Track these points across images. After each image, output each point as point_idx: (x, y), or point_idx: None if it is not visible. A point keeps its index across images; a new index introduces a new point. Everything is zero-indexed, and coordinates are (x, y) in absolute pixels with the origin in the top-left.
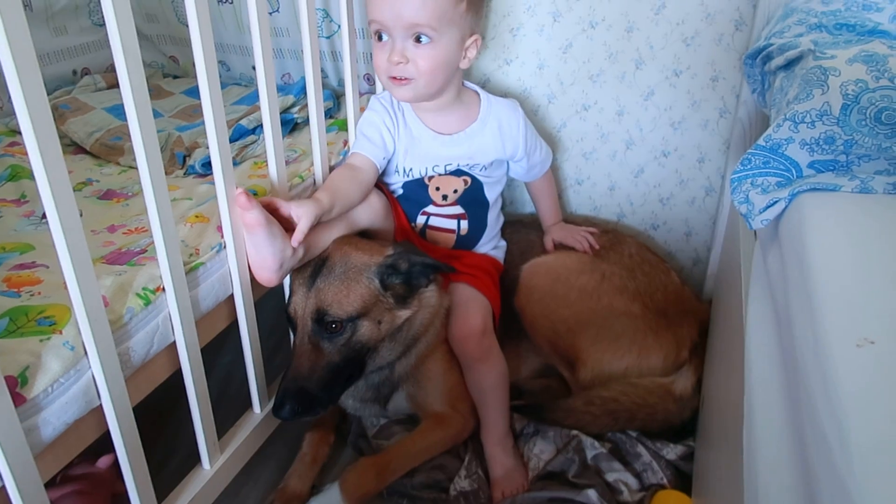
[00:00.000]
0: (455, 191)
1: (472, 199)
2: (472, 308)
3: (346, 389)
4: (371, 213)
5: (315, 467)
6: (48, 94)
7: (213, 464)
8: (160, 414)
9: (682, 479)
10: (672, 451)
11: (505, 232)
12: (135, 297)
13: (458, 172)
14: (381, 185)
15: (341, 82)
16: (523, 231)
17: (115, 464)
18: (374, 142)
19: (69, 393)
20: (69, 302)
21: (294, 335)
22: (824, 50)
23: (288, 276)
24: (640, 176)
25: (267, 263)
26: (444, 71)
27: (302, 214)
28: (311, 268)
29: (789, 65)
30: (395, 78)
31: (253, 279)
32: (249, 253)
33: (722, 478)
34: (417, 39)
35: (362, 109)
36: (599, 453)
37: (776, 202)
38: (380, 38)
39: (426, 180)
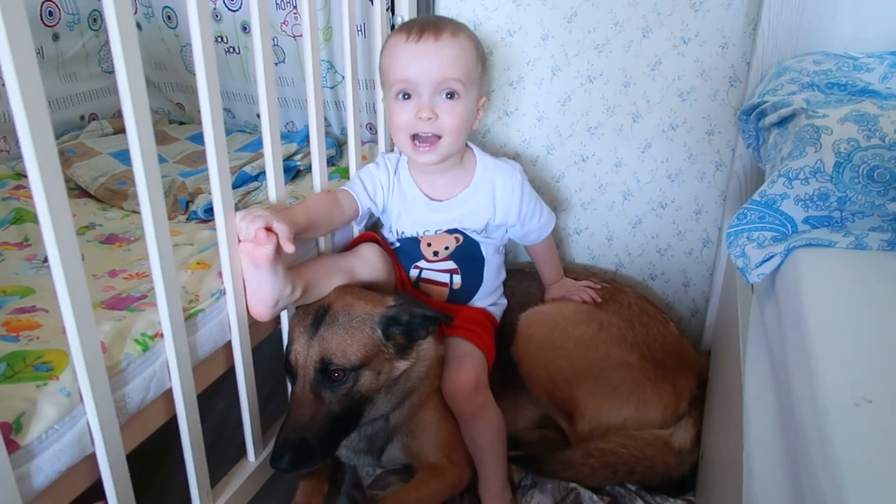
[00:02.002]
0: (446, 248)
1: (466, 255)
2: (466, 364)
3: (342, 440)
4: (370, 270)
5: None
6: (56, 139)
7: None
8: (153, 461)
9: None
10: None
11: (505, 283)
12: (133, 342)
13: (450, 231)
14: (380, 241)
15: (344, 131)
16: (525, 283)
17: None
18: (368, 191)
19: (63, 440)
20: (67, 347)
21: (293, 384)
22: (816, 109)
23: (284, 319)
24: (637, 226)
25: (265, 299)
26: (466, 129)
27: (284, 226)
28: (312, 316)
29: (783, 122)
30: (417, 141)
31: (251, 324)
32: (249, 286)
33: None
34: (446, 96)
35: (364, 158)
36: None
37: (772, 257)
38: (403, 98)
39: (418, 237)
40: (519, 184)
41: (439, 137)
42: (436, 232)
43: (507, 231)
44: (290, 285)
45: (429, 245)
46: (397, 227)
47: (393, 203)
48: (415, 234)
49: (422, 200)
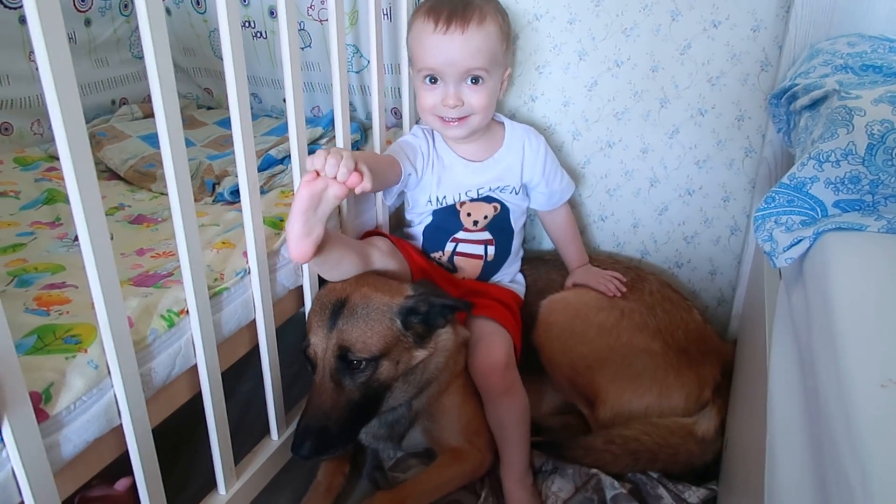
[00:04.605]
0: (485, 216)
1: (500, 227)
2: (496, 341)
3: (362, 427)
4: (384, 259)
5: (329, 497)
6: (87, 122)
7: (228, 489)
8: (179, 440)
9: None
10: (694, 495)
11: (524, 268)
12: (159, 318)
13: (488, 199)
14: (384, 232)
15: (369, 115)
16: (543, 269)
17: (133, 487)
18: (409, 157)
19: (91, 411)
20: (96, 322)
21: (313, 372)
22: (849, 90)
23: (308, 302)
24: (664, 214)
25: (317, 230)
26: (493, 105)
27: (366, 170)
28: (330, 309)
29: (814, 104)
30: (445, 119)
31: (275, 303)
32: (303, 222)
33: None
34: (471, 81)
35: (388, 143)
36: (619, 494)
37: (800, 241)
38: (430, 82)
39: (458, 206)
40: (543, 143)
41: (468, 116)
42: (478, 192)
43: (529, 198)
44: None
45: (468, 214)
46: (437, 193)
47: (432, 171)
48: (455, 201)
49: (461, 163)
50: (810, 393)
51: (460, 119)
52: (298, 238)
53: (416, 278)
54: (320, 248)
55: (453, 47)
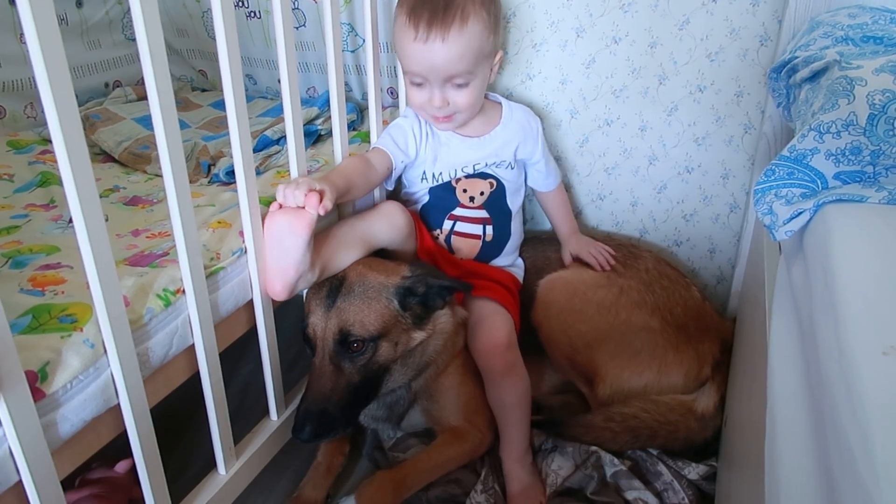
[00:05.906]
0: (482, 193)
1: (497, 206)
2: (496, 322)
3: (362, 409)
4: (393, 232)
5: (330, 477)
6: (81, 105)
7: (228, 469)
8: (179, 421)
9: (705, 499)
10: (694, 471)
11: (522, 248)
12: (155, 297)
13: (483, 175)
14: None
15: (365, 95)
16: (540, 248)
17: (133, 469)
18: (399, 145)
19: (88, 390)
20: (91, 301)
21: (312, 355)
22: (850, 60)
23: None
24: (662, 192)
25: (288, 272)
26: (480, 97)
27: (326, 188)
28: (327, 288)
29: (815, 76)
30: (434, 116)
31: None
32: (273, 259)
33: (745, 500)
34: (455, 84)
35: (385, 123)
36: (619, 470)
37: (800, 213)
38: (416, 84)
39: (454, 182)
40: (540, 123)
41: (455, 113)
42: (474, 168)
43: (526, 179)
44: (311, 264)
45: (465, 191)
46: (433, 170)
47: (427, 149)
48: (451, 178)
49: (457, 139)
50: (811, 364)
51: (447, 117)
52: (272, 276)
53: (420, 257)
54: (322, 271)
55: (434, 56)
